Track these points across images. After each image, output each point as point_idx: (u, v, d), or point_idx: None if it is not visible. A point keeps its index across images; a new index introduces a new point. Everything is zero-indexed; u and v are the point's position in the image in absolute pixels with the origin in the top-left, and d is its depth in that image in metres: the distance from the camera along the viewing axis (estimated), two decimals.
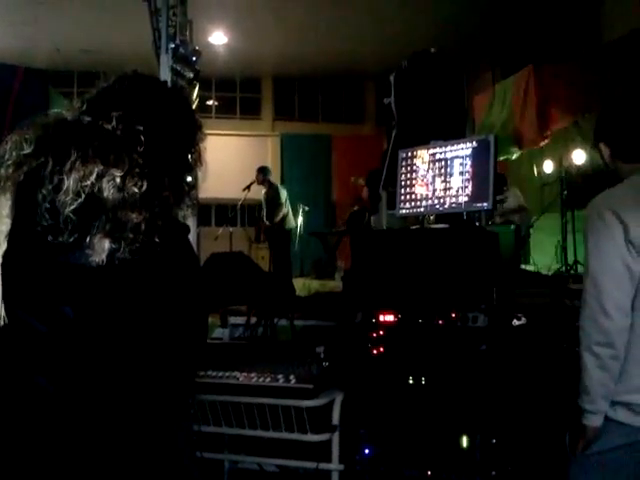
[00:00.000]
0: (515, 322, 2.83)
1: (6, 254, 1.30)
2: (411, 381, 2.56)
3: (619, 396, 1.80)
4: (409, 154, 3.07)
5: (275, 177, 10.28)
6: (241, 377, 2.59)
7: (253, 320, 3.12)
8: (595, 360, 1.78)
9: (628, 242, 1.75)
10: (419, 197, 2.99)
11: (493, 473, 2.44)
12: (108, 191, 1.24)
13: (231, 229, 9.08)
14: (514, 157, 7.95)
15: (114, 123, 1.32)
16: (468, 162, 2.81)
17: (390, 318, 2.65)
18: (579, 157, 7.30)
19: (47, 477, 1.24)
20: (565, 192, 7.31)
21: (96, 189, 1.24)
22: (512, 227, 6.70)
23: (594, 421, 1.83)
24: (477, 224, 3.18)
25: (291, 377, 2.53)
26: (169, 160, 1.38)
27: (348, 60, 12.02)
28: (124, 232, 1.23)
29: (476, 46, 10.01)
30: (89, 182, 1.23)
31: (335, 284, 7.33)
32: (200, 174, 1.54)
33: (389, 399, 2.59)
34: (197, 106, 7.15)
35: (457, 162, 2.85)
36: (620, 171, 1.96)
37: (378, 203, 4.28)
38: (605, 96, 5.97)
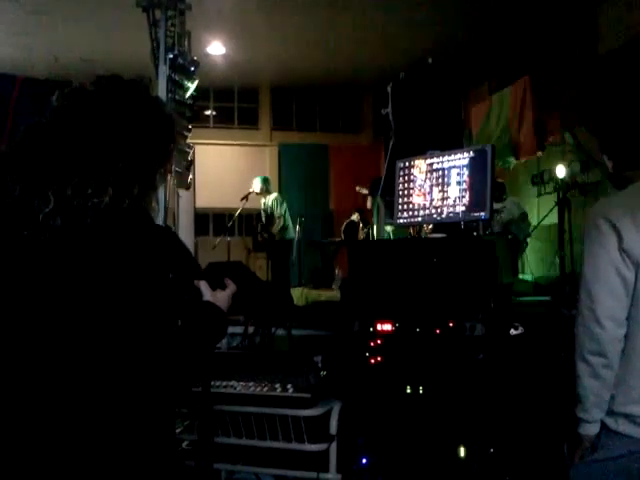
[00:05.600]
0: (512, 331, 2.84)
1: None
2: (409, 390, 2.56)
3: (620, 407, 1.80)
4: (406, 164, 3.08)
5: (273, 187, 10.31)
6: (239, 387, 2.58)
7: (251, 329, 3.11)
8: (588, 369, 1.79)
9: (622, 251, 1.75)
10: (417, 207, 3.01)
11: None
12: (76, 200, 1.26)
13: (229, 238, 9.08)
14: (511, 167, 7.99)
15: (77, 131, 1.33)
16: (465, 172, 2.83)
17: (388, 327, 2.65)
18: (575, 167, 7.34)
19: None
20: (562, 202, 7.33)
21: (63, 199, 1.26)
22: (510, 237, 6.73)
23: (589, 430, 1.83)
24: (475, 233, 3.19)
25: (289, 386, 2.52)
26: (140, 165, 1.37)
27: (346, 71, 12.08)
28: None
29: (473, 57, 10.07)
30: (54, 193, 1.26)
31: (333, 293, 7.32)
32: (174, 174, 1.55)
33: (387, 408, 2.59)
34: (195, 116, 7.18)
35: (454, 172, 2.87)
36: (624, 180, 1.95)
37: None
38: (601, 107, 6.01)
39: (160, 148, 1.44)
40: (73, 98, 1.39)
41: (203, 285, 1.52)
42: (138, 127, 1.39)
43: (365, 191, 9.09)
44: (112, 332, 1.25)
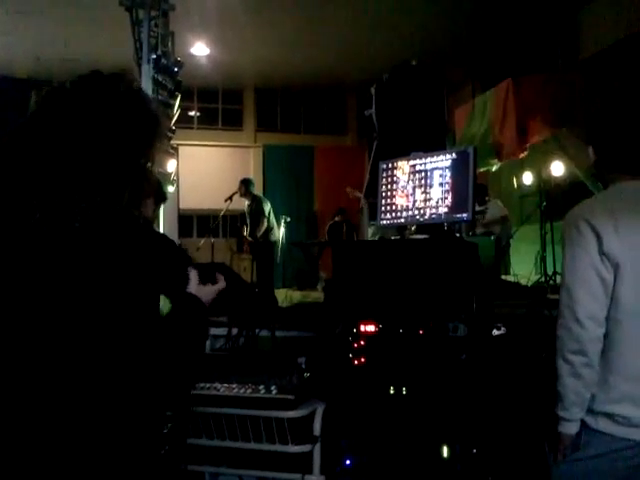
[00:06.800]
0: (495, 332, 2.85)
1: None
2: (392, 391, 2.57)
3: (600, 406, 1.82)
4: (389, 165, 3.09)
5: (257, 188, 10.30)
6: (222, 388, 2.58)
7: (234, 331, 3.10)
8: (568, 368, 1.82)
9: (602, 253, 1.78)
10: (399, 208, 3.02)
11: None
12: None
13: (213, 240, 9.04)
14: (494, 169, 8.04)
15: (56, 135, 1.29)
16: (448, 174, 2.84)
17: (371, 328, 2.65)
18: (557, 169, 7.41)
19: None
20: (544, 203, 7.40)
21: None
22: (492, 238, 6.77)
23: (569, 428, 1.85)
24: (457, 235, 3.20)
25: (272, 388, 2.52)
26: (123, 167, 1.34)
27: (330, 72, 12.11)
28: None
29: (456, 59, 10.13)
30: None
31: (317, 295, 7.33)
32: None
33: (370, 410, 2.59)
34: (179, 117, 7.15)
35: (437, 173, 2.88)
36: (607, 180, 1.99)
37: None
38: (582, 109, 6.07)
39: (143, 144, 1.40)
40: (51, 100, 1.35)
41: (193, 275, 1.50)
42: (119, 125, 1.35)
43: (358, 194, 9.09)
44: (99, 336, 1.24)
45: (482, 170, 7.56)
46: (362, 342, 2.66)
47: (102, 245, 1.25)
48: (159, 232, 1.47)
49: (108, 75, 1.40)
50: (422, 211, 2.93)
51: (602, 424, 1.82)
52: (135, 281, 1.27)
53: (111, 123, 1.34)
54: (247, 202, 8.69)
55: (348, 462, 2.59)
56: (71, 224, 1.24)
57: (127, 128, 1.36)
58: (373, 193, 3.37)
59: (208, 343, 3.20)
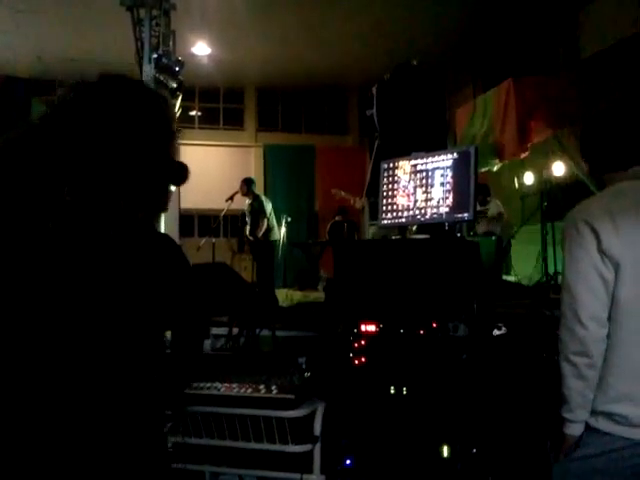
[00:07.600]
0: (495, 332, 2.85)
1: None
2: (392, 391, 2.57)
3: (600, 406, 1.83)
4: (390, 165, 3.09)
5: (258, 188, 10.29)
6: (222, 388, 2.58)
7: (235, 331, 3.10)
8: (572, 369, 1.82)
9: (601, 252, 1.78)
10: (401, 208, 3.02)
11: None
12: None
13: (214, 240, 9.04)
14: (495, 169, 8.04)
15: (71, 141, 1.26)
16: (449, 173, 2.84)
17: (372, 328, 2.65)
18: (559, 169, 7.41)
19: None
20: (545, 204, 7.40)
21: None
22: (493, 238, 6.77)
23: (574, 430, 1.85)
24: (458, 235, 3.20)
25: (273, 388, 2.52)
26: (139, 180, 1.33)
27: (331, 72, 12.11)
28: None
29: (457, 60, 10.13)
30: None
31: (318, 295, 7.32)
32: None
33: (371, 409, 2.59)
34: (180, 116, 7.16)
35: (438, 173, 2.88)
36: (603, 182, 1.99)
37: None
38: (583, 109, 6.07)
39: (165, 155, 1.40)
40: (68, 107, 1.30)
41: None
42: (145, 137, 1.32)
43: (344, 194, 9.07)
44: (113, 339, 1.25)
45: (483, 170, 7.57)
46: (363, 342, 2.65)
47: (131, 257, 1.27)
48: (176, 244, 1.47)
49: (121, 82, 1.35)
50: (423, 211, 2.92)
51: (602, 423, 1.83)
52: (153, 291, 1.30)
53: (136, 132, 1.31)
54: (248, 201, 8.69)
55: (348, 462, 2.59)
56: (88, 236, 1.25)
57: (152, 140, 1.34)
58: (374, 193, 3.36)
59: (209, 342, 3.20)
